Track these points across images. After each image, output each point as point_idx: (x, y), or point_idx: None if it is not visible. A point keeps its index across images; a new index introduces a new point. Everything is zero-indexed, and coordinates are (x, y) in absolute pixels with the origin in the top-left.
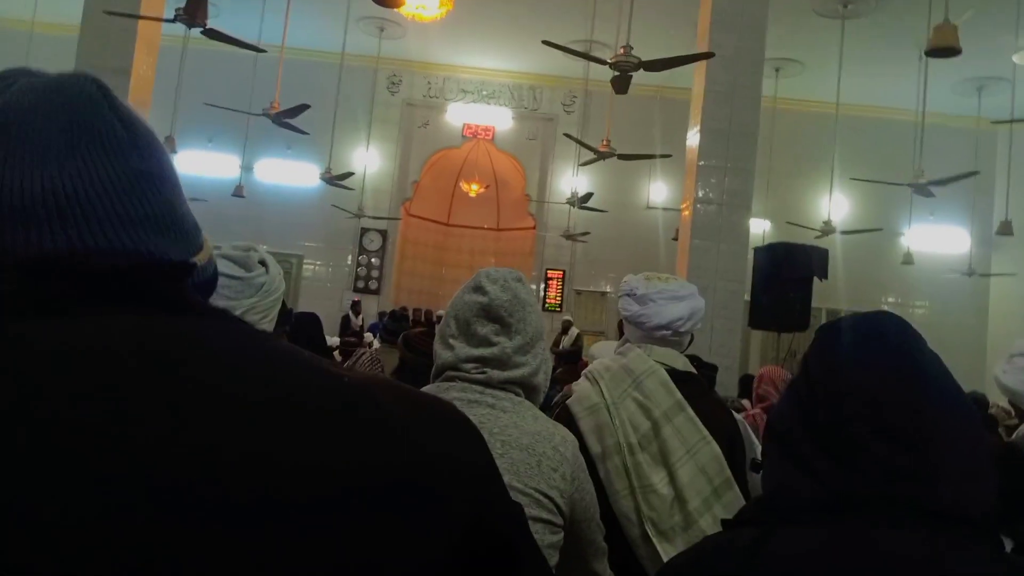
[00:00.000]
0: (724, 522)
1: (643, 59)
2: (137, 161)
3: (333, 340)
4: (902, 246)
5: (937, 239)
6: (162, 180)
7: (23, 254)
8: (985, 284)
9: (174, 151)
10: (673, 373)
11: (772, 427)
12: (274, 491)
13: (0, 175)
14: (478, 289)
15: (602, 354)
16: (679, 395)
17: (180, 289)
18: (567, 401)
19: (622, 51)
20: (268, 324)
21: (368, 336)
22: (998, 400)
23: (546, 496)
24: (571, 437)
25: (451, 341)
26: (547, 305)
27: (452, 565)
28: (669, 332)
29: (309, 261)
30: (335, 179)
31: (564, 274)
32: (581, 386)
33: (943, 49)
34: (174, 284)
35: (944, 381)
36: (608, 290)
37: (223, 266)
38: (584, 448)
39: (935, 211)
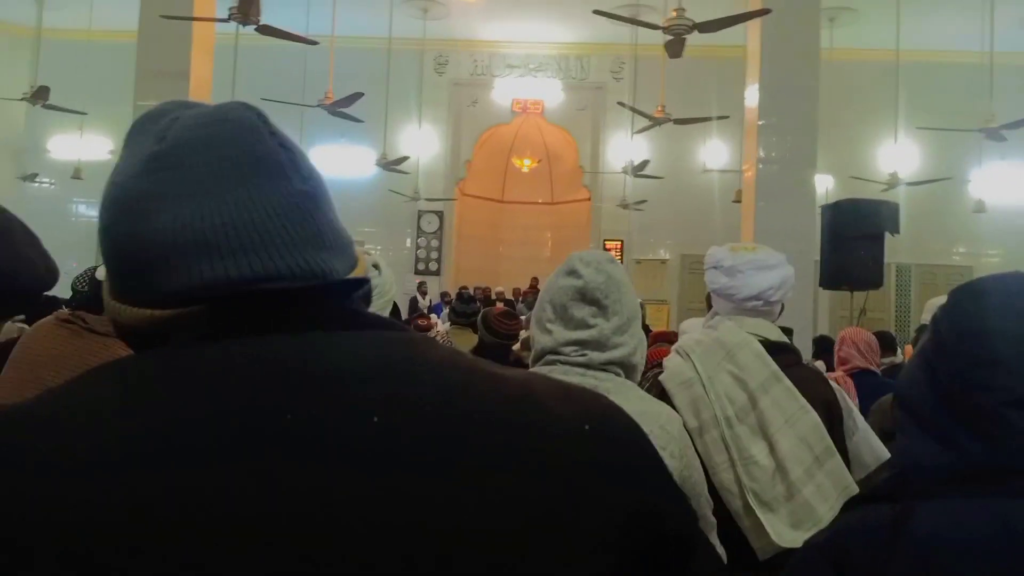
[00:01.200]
0: (856, 498)
1: (695, 20)
2: (300, 183)
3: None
4: (972, 194)
5: (1009, 184)
6: (322, 198)
7: (211, 282)
8: None
9: None
10: (766, 344)
11: (903, 397)
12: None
13: (179, 210)
14: (572, 272)
15: (691, 329)
16: (774, 366)
17: (353, 304)
18: (659, 377)
19: (674, 13)
20: None
21: (433, 317)
22: None
23: None
24: (675, 415)
25: (548, 326)
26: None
27: (627, 564)
28: (760, 303)
29: (370, 246)
30: (391, 164)
31: (622, 244)
32: (672, 361)
33: None
34: (345, 299)
35: None
36: (667, 258)
37: None
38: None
39: (1006, 155)
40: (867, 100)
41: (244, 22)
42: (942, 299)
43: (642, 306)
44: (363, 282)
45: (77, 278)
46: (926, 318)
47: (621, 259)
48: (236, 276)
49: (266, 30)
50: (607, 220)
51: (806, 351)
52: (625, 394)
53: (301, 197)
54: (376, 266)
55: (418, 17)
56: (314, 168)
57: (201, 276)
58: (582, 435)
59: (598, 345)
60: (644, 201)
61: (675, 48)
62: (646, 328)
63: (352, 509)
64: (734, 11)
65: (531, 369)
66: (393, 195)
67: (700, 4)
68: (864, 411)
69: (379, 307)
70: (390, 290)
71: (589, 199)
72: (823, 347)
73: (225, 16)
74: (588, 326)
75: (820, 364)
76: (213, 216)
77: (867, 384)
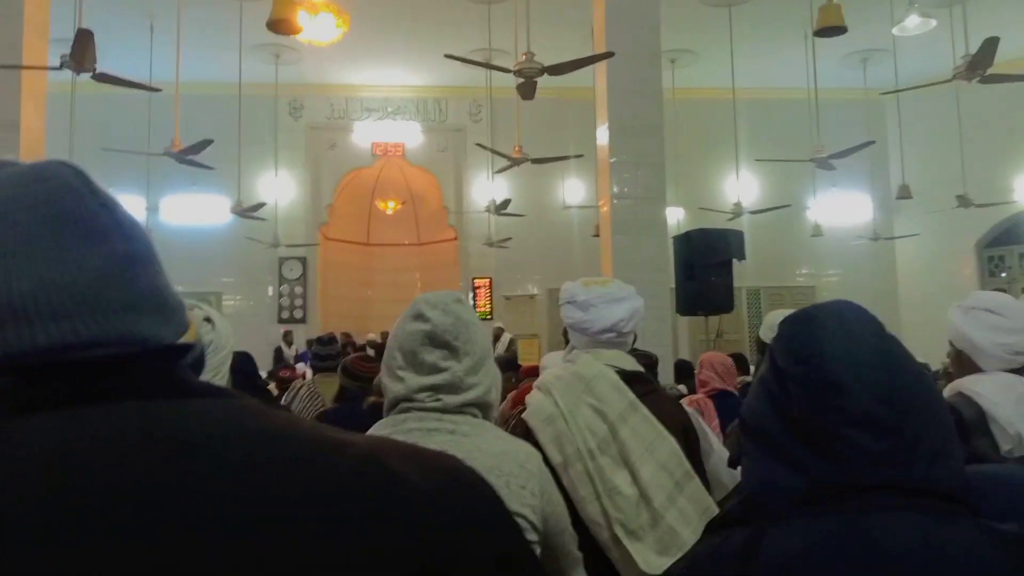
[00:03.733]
0: (710, 524)
1: (544, 63)
2: (122, 245)
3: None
4: (810, 219)
5: (842, 209)
6: (147, 261)
7: (16, 351)
8: (891, 247)
9: None
10: (622, 374)
11: (746, 423)
12: None
13: None
14: (419, 317)
15: (552, 364)
16: (631, 395)
17: (177, 371)
18: (522, 415)
19: (524, 57)
20: (221, 381)
21: (300, 367)
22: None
23: (518, 515)
24: (534, 451)
25: (400, 373)
26: (478, 314)
27: None
28: (614, 334)
29: (228, 297)
30: (246, 211)
31: (491, 281)
32: (534, 397)
33: (830, 28)
34: (171, 367)
35: (909, 362)
36: (536, 292)
37: None
38: (545, 459)
39: (837, 182)
40: (710, 135)
41: (78, 70)
42: (779, 314)
43: (513, 341)
44: (189, 348)
45: None
46: (765, 334)
47: (491, 296)
48: (45, 344)
49: (103, 78)
50: (475, 258)
51: (669, 375)
52: (483, 436)
53: (122, 259)
54: (209, 319)
55: (270, 62)
56: (138, 228)
57: (7, 344)
58: (428, 497)
59: (452, 388)
60: (509, 239)
61: (527, 91)
62: (516, 364)
63: None
64: (582, 53)
65: (385, 418)
66: (252, 243)
67: (550, 47)
68: (725, 430)
69: (215, 363)
70: (226, 344)
71: (456, 238)
72: (683, 371)
73: (57, 64)
74: (440, 370)
75: (682, 387)
76: (22, 280)
77: (726, 404)
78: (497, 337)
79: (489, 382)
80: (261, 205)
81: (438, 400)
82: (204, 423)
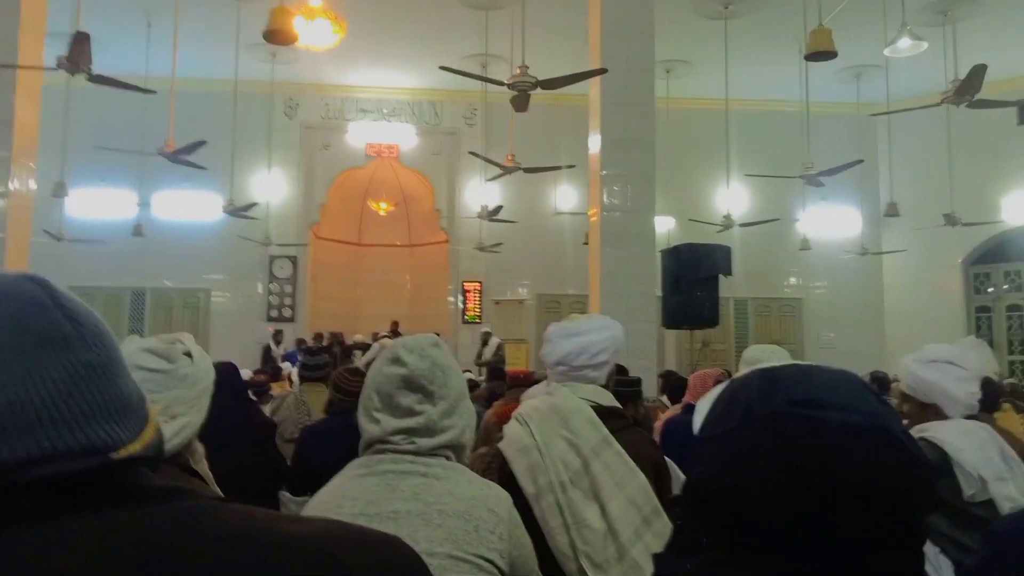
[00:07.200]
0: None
1: (539, 75)
2: (86, 353)
3: (246, 373)
4: (799, 232)
5: (831, 223)
6: (112, 365)
7: None
8: (878, 262)
9: (65, 195)
10: (598, 409)
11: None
12: None
13: None
14: (396, 360)
15: (533, 395)
16: (605, 431)
17: (135, 478)
18: (499, 445)
19: (519, 71)
20: (197, 414)
21: (286, 366)
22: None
23: (486, 560)
24: (504, 495)
25: (376, 415)
26: (467, 317)
27: None
28: (565, 367)
29: (218, 294)
30: (238, 210)
31: (481, 285)
32: (512, 428)
33: (820, 53)
34: (129, 475)
35: None
36: (526, 297)
37: (145, 359)
38: (518, 489)
39: (827, 196)
40: (703, 146)
41: (74, 71)
42: (758, 351)
43: (501, 345)
44: (144, 458)
45: None
46: (744, 370)
47: (480, 300)
48: (10, 460)
49: (99, 80)
50: (465, 262)
51: (653, 388)
52: (456, 479)
53: (86, 369)
54: (188, 354)
55: (266, 61)
56: (104, 334)
57: None
58: None
59: (427, 431)
60: (500, 244)
61: (520, 103)
62: (503, 371)
63: None
64: (579, 61)
65: (361, 457)
66: (242, 241)
67: (546, 55)
68: None
69: (192, 396)
70: (205, 378)
71: (447, 241)
72: (669, 381)
73: (53, 65)
74: (415, 413)
75: (665, 399)
76: None
77: None
78: (485, 341)
79: (463, 423)
80: (253, 205)
81: (412, 443)
82: (159, 535)
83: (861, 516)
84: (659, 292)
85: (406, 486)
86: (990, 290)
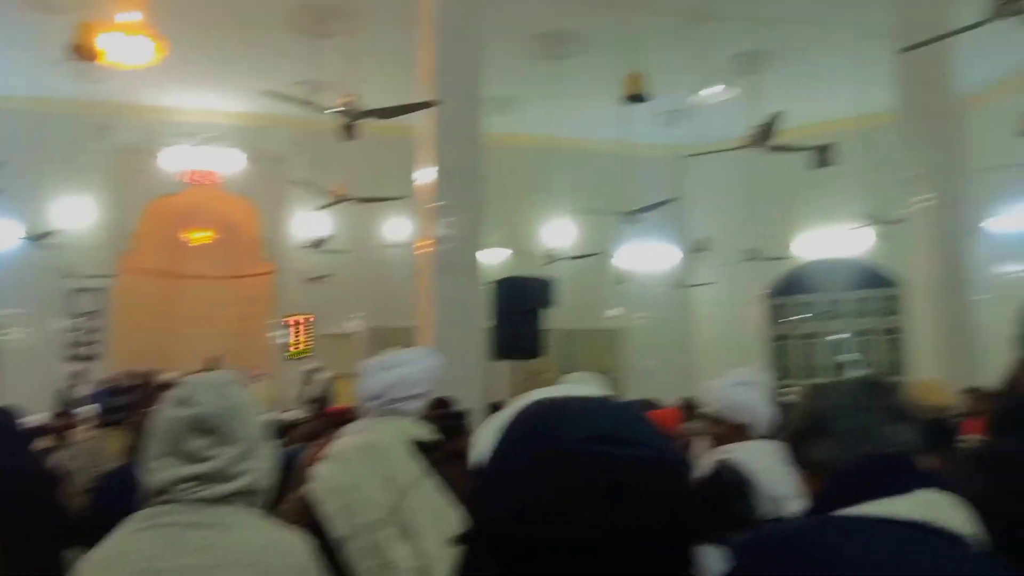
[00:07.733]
0: None
1: (368, 103)
2: None
3: (41, 418)
4: (619, 266)
5: (648, 257)
6: None
7: None
8: (691, 294)
9: None
10: (417, 443)
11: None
12: None
13: None
14: (184, 402)
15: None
16: (423, 464)
17: None
18: (309, 486)
19: (341, 100)
20: None
21: (91, 408)
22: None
23: None
24: (299, 541)
25: (160, 461)
26: (288, 353)
27: None
28: (381, 400)
29: (13, 331)
30: (37, 237)
31: (310, 318)
32: (323, 468)
33: (635, 96)
34: None
35: None
36: (357, 330)
37: None
38: (325, 533)
39: (645, 231)
40: (530, 181)
41: None
42: (570, 380)
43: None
44: None
45: None
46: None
47: (309, 333)
48: None
49: None
50: (293, 293)
51: (483, 419)
52: (247, 528)
53: None
54: None
55: (74, 79)
56: None
57: None
58: None
59: (219, 477)
60: (329, 275)
61: (347, 132)
62: (324, 408)
63: None
64: (410, 93)
65: (142, 511)
66: (43, 272)
67: (380, 86)
68: None
69: None
70: None
71: (273, 272)
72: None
73: None
74: (206, 459)
75: None
76: None
77: None
78: (308, 381)
79: (262, 468)
80: (50, 233)
81: (201, 490)
82: None
83: (643, 545)
84: (486, 325)
85: (192, 538)
86: (786, 320)
